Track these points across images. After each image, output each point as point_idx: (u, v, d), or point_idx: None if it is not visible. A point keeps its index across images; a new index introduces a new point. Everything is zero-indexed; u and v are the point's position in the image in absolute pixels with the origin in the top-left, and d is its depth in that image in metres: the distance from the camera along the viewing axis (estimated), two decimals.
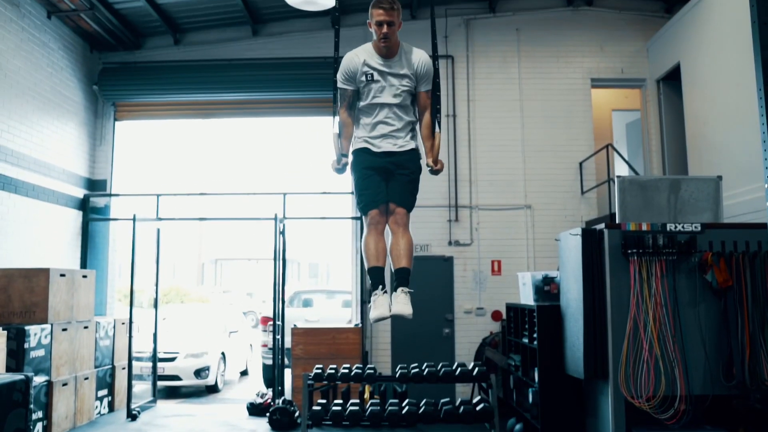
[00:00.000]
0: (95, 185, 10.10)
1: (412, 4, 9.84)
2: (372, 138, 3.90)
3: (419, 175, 3.98)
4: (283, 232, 9.07)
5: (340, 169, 3.95)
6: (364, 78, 3.86)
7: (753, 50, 4.25)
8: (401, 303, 3.70)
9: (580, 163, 9.83)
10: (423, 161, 4.00)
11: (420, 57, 3.91)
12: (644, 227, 5.46)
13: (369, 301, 3.84)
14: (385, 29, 3.75)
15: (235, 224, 25.60)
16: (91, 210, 9.93)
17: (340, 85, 3.95)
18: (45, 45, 8.86)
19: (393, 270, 3.84)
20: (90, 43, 10.05)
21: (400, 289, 3.75)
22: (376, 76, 3.85)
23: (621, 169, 10.25)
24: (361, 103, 3.95)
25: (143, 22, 9.87)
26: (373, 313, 3.74)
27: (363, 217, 3.95)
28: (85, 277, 7.99)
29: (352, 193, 4.08)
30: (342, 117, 3.97)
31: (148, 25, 9.98)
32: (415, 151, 3.96)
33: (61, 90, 9.27)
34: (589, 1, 10.24)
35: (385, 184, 3.89)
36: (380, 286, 3.78)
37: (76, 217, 9.66)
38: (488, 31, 10.24)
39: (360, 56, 3.90)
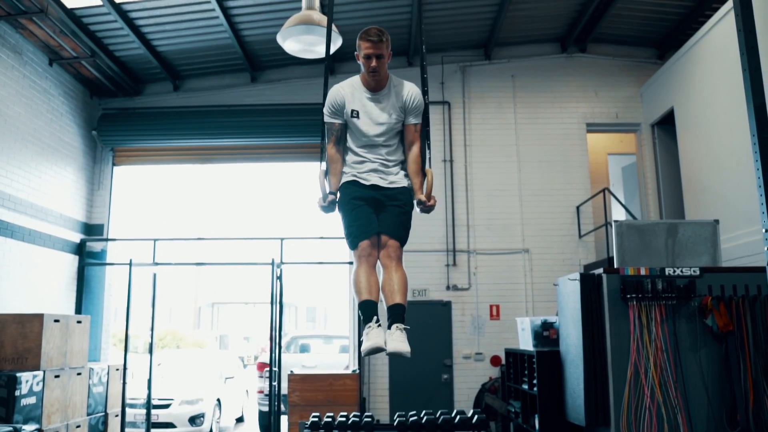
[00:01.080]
0: (92, 230, 10.07)
1: (409, 51, 9.98)
2: (361, 173, 3.73)
3: (412, 210, 3.78)
4: (280, 277, 9.03)
5: (327, 207, 3.72)
6: (350, 113, 3.71)
7: (745, 97, 4.31)
8: (398, 340, 3.41)
9: (578, 207, 9.86)
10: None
11: (410, 89, 3.77)
12: (643, 272, 5.44)
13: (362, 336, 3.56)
14: (373, 63, 3.61)
15: (232, 268, 25.49)
16: (87, 254, 9.89)
17: (326, 119, 3.80)
18: (46, 91, 8.96)
19: (386, 307, 3.58)
20: (90, 89, 10.17)
21: (395, 326, 3.47)
22: (362, 112, 3.71)
23: (618, 213, 10.28)
24: (349, 140, 3.80)
25: (143, 69, 10.02)
26: (366, 344, 3.42)
27: (353, 251, 3.70)
28: (79, 322, 7.90)
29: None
30: (329, 152, 3.79)
31: (148, 71, 10.13)
32: (406, 189, 3.78)
33: (60, 135, 9.33)
34: (582, 48, 10.42)
35: (375, 216, 3.68)
36: (374, 318, 3.49)
37: (72, 261, 9.61)
38: (484, 78, 10.38)
39: (346, 89, 3.77)
